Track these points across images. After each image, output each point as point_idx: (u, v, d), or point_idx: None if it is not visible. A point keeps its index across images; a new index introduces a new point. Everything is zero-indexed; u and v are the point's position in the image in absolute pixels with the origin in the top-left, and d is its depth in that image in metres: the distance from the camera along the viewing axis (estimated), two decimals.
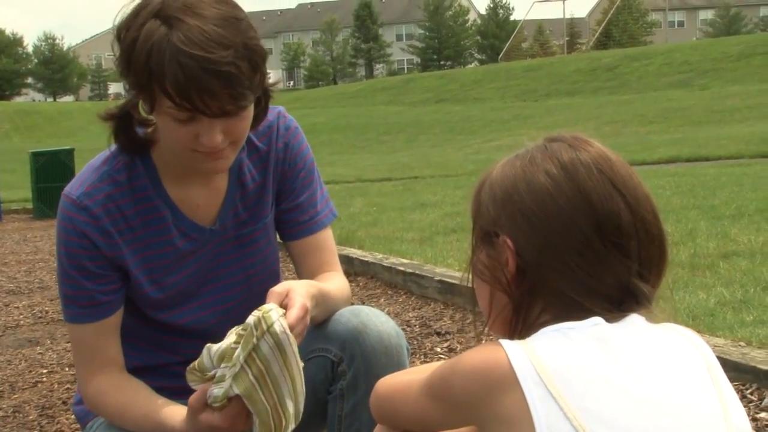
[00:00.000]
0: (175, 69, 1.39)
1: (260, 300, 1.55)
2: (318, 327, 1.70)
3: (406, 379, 1.20)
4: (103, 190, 1.63)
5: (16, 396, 3.55)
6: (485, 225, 1.17)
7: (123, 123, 1.62)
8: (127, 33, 1.45)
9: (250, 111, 1.53)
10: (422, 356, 3.63)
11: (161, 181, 1.66)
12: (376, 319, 1.68)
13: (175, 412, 1.57)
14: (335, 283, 1.74)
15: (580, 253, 1.08)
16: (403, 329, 4.08)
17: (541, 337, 1.06)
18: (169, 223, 1.67)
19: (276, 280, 1.80)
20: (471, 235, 1.20)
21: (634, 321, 1.09)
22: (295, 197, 1.79)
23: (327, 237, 1.83)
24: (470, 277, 1.21)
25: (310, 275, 1.77)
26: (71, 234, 1.63)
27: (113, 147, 1.64)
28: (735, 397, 1.10)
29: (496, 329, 1.18)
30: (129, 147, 1.64)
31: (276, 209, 1.80)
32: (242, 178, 1.73)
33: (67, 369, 3.88)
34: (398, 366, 1.64)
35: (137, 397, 1.65)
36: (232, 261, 1.75)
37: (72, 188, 1.65)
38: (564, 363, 1.02)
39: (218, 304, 1.76)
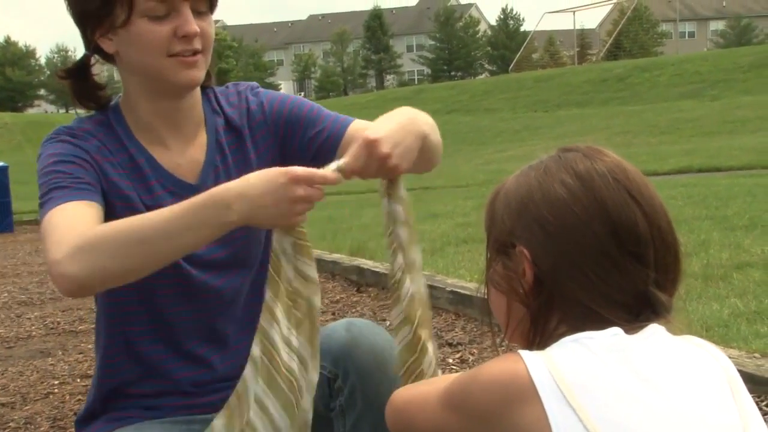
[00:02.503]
0: None
1: (244, 262, 1.68)
2: None
3: (424, 390, 1.20)
4: (86, 127, 1.65)
5: (27, 407, 3.55)
6: (500, 236, 1.16)
7: (81, 77, 1.68)
8: None
9: (212, 23, 1.63)
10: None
11: (135, 136, 1.67)
12: (368, 332, 1.66)
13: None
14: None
15: (597, 261, 1.07)
16: None
17: (561, 347, 1.06)
18: (147, 172, 1.65)
19: (259, 246, 1.77)
20: (486, 247, 1.20)
21: (655, 332, 1.08)
22: (306, 130, 1.75)
23: (361, 122, 1.78)
24: (485, 289, 1.20)
25: None
26: (64, 141, 1.61)
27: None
28: (756, 412, 1.08)
29: (513, 341, 1.18)
30: (89, 99, 1.68)
31: (300, 153, 1.76)
32: (219, 140, 1.73)
33: (78, 380, 3.89)
34: (394, 378, 1.58)
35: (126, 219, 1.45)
36: None
37: (55, 129, 1.65)
38: (583, 374, 1.01)
39: (206, 255, 1.69)
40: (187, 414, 1.72)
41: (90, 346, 4.52)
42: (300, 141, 1.75)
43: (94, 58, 1.68)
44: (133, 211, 1.58)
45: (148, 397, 1.71)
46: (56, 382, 3.88)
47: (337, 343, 1.64)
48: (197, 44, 1.59)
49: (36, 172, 1.59)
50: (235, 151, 1.74)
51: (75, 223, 1.44)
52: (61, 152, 1.58)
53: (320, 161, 1.77)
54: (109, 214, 1.54)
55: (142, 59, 1.59)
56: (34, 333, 4.99)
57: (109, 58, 1.65)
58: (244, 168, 1.72)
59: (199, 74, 1.62)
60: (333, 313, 4.83)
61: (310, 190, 1.37)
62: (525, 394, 1.01)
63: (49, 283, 6.78)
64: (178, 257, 1.45)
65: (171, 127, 1.68)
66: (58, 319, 5.29)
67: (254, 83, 1.83)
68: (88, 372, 4.00)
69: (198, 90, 1.71)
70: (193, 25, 1.57)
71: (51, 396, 3.69)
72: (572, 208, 1.09)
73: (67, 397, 3.64)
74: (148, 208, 1.58)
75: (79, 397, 3.62)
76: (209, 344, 1.73)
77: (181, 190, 1.66)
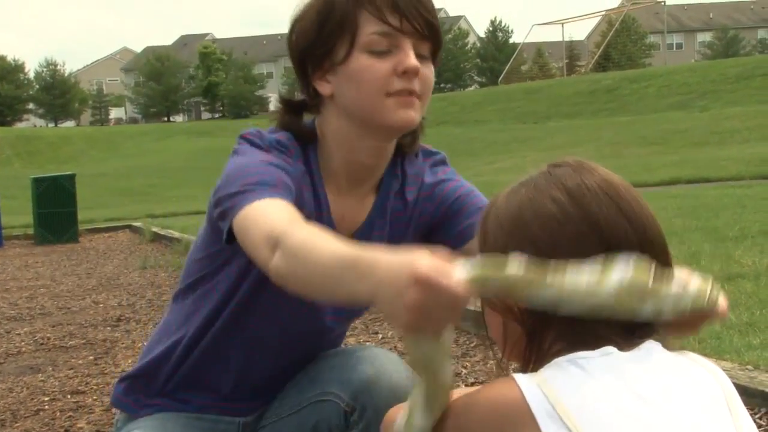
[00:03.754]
0: None
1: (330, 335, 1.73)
2: (332, 369, 1.70)
3: None
4: (298, 156, 1.62)
5: (18, 425, 3.52)
6: (494, 253, 1.15)
7: (296, 110, 1.65)
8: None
9: (433, 72, 1.59)
10: None
11: (323, 179, 1.65)
12: (392, 368, 1.66)
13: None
14: None
15: None
16: None
17: (555, 368, 1.05)
18: (324, 215, 1.64)
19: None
20: None
21: (651, 349, 1.08)
22: (462, 220, 1.71)
23: None
24: (481, 307, 1.20)
25: None
26: (278, 149, 1.58)
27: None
28: (753, 429, 1.08)
29: (510, 359, 1.17)
30: (294, 129, 1.63)
31: (447, 239, 1.72)
32: (386, 204, 1.70)
33: (69, 396, 3.86)
34: None
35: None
36: None
37: (263, 132, 1.62)
38: (579, 395, 1.01)
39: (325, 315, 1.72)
40: (215, 414, 1.75)
41: (81, 362, 4.49)
42: (453, 228, 1.72)
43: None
44: None
45: (181, 390, 1.74)
46: (46, 399, 3.85)
47: (359, 376, 1.64)
48: (416, 85, 1.53)
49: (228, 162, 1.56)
50: (397, 219, 1.72)
51: (280, 215, 1.37)
52: (269, 159, 1.54)
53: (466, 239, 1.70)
54: None
55: (360, 97, 1.54)
56: (23, 349, 4.95)
57: (315, 107, 1.62)
58: (400, 238, 1.72)
59: (416, 116, 1.56)
60: None
61: (428, 297, 1.00)
62: (521, 419, 1.00)
63: (38, 298, 6.74)
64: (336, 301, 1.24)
65: (353, 177, 1.65)
66: (48, 335, 5.26)
67: (442, 155, 1.78)
68: (79, 388, 3.97)
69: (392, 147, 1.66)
70: (414, 60, 1.51)
71: (41, 413, 3.66)
72: (563, 226, 1.08)
73: (58, 414, 3.61)
74: None
75: (70, 413, 3.60)
76: (274, 380, 1.77)
77: None
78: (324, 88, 1.58)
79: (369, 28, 1.51)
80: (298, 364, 1.77)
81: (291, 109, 1.66)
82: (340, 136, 1.61)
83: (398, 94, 1.52)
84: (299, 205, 1.49)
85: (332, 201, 1.66)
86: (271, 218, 1.36)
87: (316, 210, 1.63)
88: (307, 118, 1.67)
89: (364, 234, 1.69)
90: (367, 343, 4.25)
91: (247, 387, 1.75)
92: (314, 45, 1.56)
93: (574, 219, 1.08)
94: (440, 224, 1.73)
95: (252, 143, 1.59)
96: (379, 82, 1.52)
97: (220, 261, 1.66)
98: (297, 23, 1.60)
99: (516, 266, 1.02)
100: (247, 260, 1.49)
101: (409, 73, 1.51)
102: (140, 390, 1.77)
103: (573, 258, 1.07)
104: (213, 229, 1.60)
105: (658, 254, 1.10)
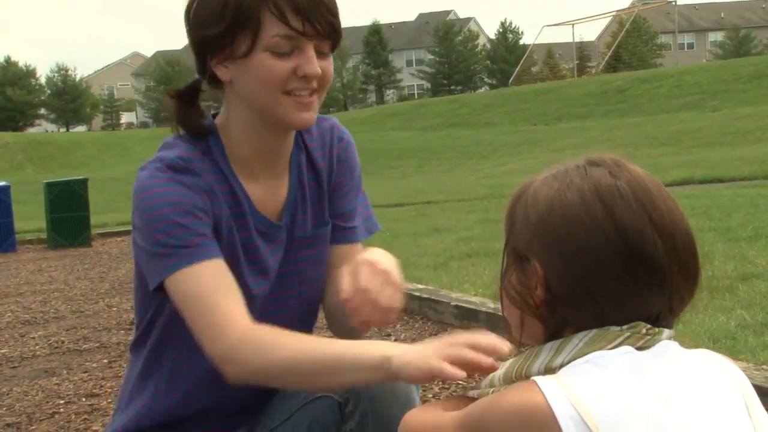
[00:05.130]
0: None
1: (309, 309, 1.74)
2: None
3: (438, 415, 1.18)
4: (195, 162, 1.60)
5: (33, 428, 3.54)
6: (518, 246, 1.15)
7: (189, 102, 1.64)
8: None
9: (332, 62, 1.61)
10: (440, 382, 3.59)
11: (233, 169, 1.65)
12: None
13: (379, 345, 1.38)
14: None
15: (610, 289, 1.07)
16: None
17: (575, 371, 1.04)
18: (245, 209, 1.64)
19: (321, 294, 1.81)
20: (503, 251, 1.19)
21: (667, 347, 1.07)
22: (340, 207, 1.77)
23: (359, 250, 1.79)
24: (500, 294, 1.19)
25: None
26: (177, 180, 1.55)
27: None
28: None
29: (520, 345, 1.17)
30: (192, 126, 1.63)
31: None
32: (301, 178, 1.72)
33: (84, 399, 3.87)
34: (406, 402, 1.58)
35: (305, 337, 1.50)
36: (296, 260, 1.72)
37: (163, 156, 1.60)
38: (602, 399, 1.00)
39: (279, 311, 1.71)
40: None
41: (95, 365, 4.51)
42: (329, 207, 1.77)
43: (204, 84, 1.65)
44: (232, 245, 1.61)
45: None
46: (61, 402, 3.87)
47: None
48: (315, 84, 1.57)
49: (134, 200, 1.56)
50: (313, 190, 1.74)
51: (224, 305, 1.50)
52: (176, 200, 1.54)
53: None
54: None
55: (258, 92, 1.56)
56: (38, 352, 4.98)
57: (218, 84, 1.62)
58: (319, 210, 1.75)
59: (313, 116, 1.61)
60: None
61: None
62: (545, 424, 1.00)
63: (52, 302, 6.77)
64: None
65: (265, 162, 1.66)
66: (62, 338, 5.28)
67: (334, 120, 1.80)
68: (93, 391, 3.99)
69: None
70: (316, 67, 1.54)
71: (56, 416, 3.67)
72: (589, 232, 1.07)
73: (73, 417, 3.63)
74: (244, 244, 1.63)
75: (85, 416, 3.61)
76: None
77: (268, 229, 1.68)
78: (222, 73, 1.59)
79: (272, 30, 1.51)
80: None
81: (183, 99, 1.65)
82: (247, 124, 1.62)
83: (297, 93, 1.55)
84: (217, 212, 1.57)
85: (251, 187, 1.66)
86: (218, 304, 1.49)
87: (235, 206, 1.63)
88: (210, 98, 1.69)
89: (288, 212, 1.70)
90: None
91: (227, 405, 1.74)
92: (215, 35, 1.55)
93: (601, 225, 1.07)
94: (330, 199, 1.77)
95: (155, 177, 1.56)
96: (277, 82, 1.54)
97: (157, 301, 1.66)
98: (196, 7, 1.58)
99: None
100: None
101: (309, 77, 1.54)
102: None
103: (596, 262, 1.06)
104: (139, 274, 1.63)
105: (686, 262, 1.09)
